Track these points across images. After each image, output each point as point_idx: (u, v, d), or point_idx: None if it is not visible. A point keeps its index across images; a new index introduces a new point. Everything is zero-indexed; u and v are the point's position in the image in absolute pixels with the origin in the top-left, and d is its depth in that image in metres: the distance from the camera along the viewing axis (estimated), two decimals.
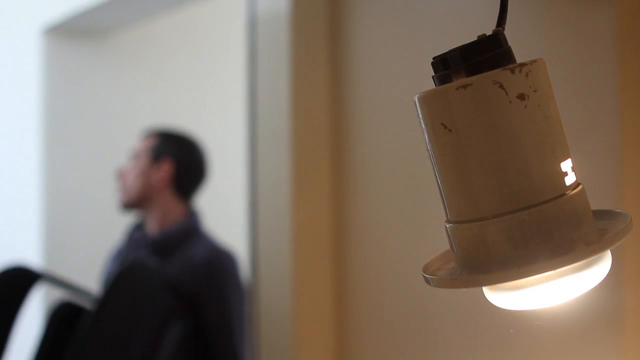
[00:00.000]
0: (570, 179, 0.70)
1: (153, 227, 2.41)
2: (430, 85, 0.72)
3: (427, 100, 0.71)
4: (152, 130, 2.53)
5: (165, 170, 2.41)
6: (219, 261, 2.33)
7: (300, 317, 1.71)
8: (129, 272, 2.06)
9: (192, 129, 3.65)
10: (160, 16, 3.36)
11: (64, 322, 2.10)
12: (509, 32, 0.72)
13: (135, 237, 2.44)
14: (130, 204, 2.43)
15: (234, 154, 3.42)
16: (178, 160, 2.44)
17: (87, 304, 2.16)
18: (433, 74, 0.73)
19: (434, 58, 0.72)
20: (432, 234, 1.44)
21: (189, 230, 2.39)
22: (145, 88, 3.59)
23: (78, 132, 3.49)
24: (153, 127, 2.58)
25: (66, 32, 3.44)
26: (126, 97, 3.55)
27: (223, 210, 3.65)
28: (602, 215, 0.74)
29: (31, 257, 3.45)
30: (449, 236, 0.73)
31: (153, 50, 3.63)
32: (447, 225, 0.73)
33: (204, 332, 2.25)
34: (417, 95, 0.71)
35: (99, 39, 3.50)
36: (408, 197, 1.56)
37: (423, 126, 0.71)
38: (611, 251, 0.71)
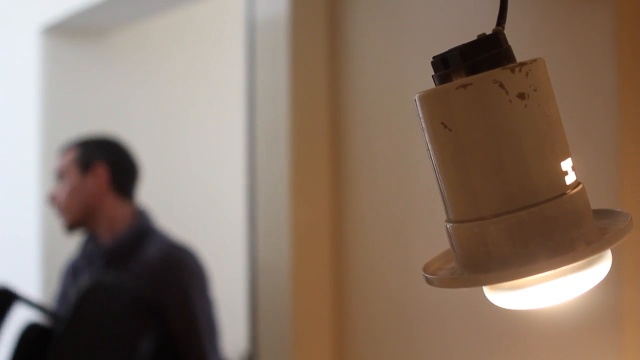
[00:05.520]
0: (570, 178, 0.70)
1: (104, 235, 2.25)
2: (430, 85, 0.72)
3: (427, 99, 0.70)
4: (69, 144, 2.33)
5: (100, 174, 2.24)
6: (176, 257, 2.17)
7: (300, 317, 1.71)
8: (90, 295, 1.96)
9: (191, 130, 3.67)
10: (159, 16, 3.36)
11: (32, 343, 2.01)
12: (508, 32, 0.72)
13: (89, 251, 2.28)
14: (75, 224, 2.26)
15: (233, 155, 3.41)
16: (110, 161, 2.26)
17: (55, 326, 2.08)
18: (433, 73, 0.73)
19: (433, 57, 0.72)
20: (432, 234, 1.44)
21: (142, 232, 2.23)
22: (143, 88, 3.58)
23: (77, 131, 3.48)
24: (68, 142, 2.36)
25: (65, 32, 3.44)
26: (125, 96, 3.54)
27: (222, 212, 3.65)
28: (602, 214, 0.74)
29: (28, 253, 3.45)
30: (449, 236, 0.73)
31: (152, 50, 3.63)
32: (448, 225, 0.73)
33: (172, 336, 2.13)
34: (417, 95, 0.71)
35: (97, 38, 3.50)
36: (407, 197, 1.55)
37: (423, 126, 0.71)
38: (610, 250, 0.71)
